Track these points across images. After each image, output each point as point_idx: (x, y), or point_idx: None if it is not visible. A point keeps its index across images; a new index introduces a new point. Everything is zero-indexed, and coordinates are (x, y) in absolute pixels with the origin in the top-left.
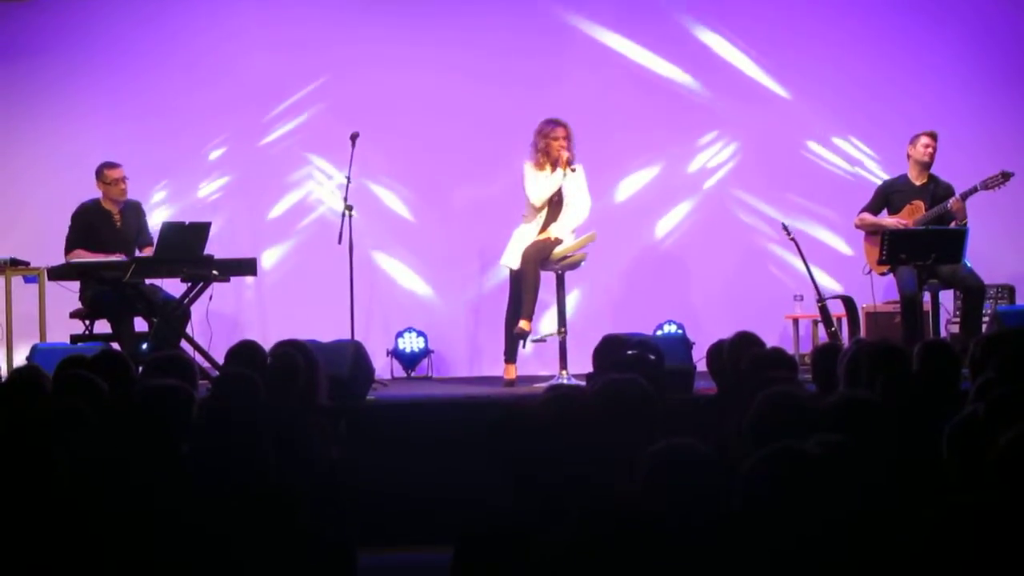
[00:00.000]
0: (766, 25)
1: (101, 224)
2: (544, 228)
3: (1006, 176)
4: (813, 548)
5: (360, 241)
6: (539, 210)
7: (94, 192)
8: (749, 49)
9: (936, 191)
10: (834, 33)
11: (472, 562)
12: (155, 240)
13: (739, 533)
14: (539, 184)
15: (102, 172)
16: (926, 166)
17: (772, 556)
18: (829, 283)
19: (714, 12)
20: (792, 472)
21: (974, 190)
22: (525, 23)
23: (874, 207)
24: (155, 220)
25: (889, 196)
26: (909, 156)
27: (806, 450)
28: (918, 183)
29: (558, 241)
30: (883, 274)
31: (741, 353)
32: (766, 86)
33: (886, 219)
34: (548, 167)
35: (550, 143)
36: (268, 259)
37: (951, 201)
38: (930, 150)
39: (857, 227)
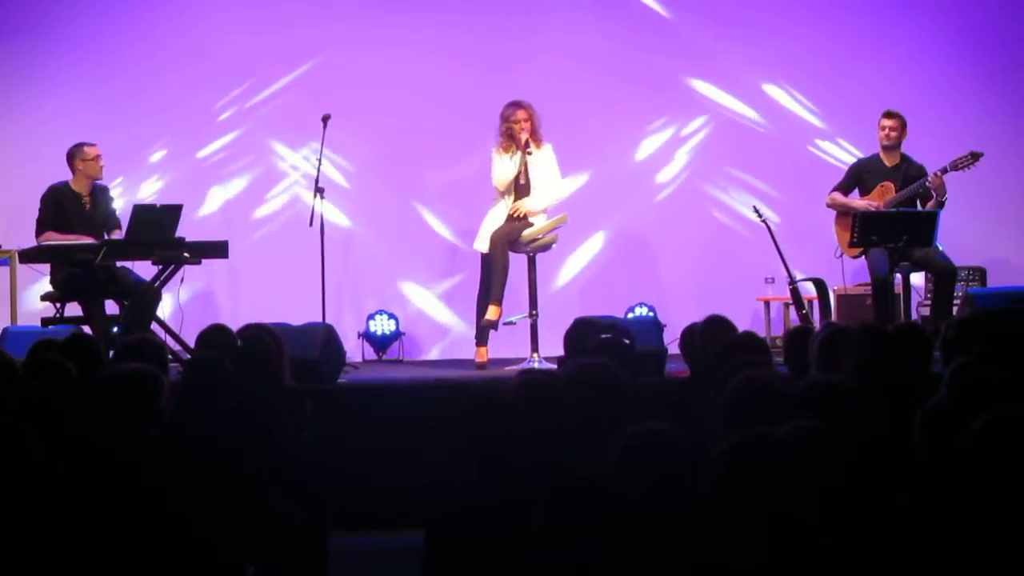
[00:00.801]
0: (739, 7)
1: (71, 206)
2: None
3: (975, 156)
4: (785, 534)
5: (331, 224)
6: (504, 193)
7: (65, 175)
8: (720, 29)
9: (908, 171)
10: (808, 15)
11: (444, 548)
12: (124, 223)
13: (711, 519)
14: (501, 167)
15: (80, 150)
16: (892, 148)
17: (744, 542)
18: (800, 265)
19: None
20: (762, 459)
21: (944, 171)
22: (497, 4)
23: (845, 187)
24: (121, 204)
25: (861, 176)
26: (878, 137)
27: (776, 437)
28: (889, 164)
29: (527, 224)
30: (855, 257)
31: (713, 337)
32: (736, 68)
33: (856, 201)
34: (513, 150)
35: (511, 126)
36: (240, 242)
37: (929, 177)
38: (886, 132)
39: (828, 206)
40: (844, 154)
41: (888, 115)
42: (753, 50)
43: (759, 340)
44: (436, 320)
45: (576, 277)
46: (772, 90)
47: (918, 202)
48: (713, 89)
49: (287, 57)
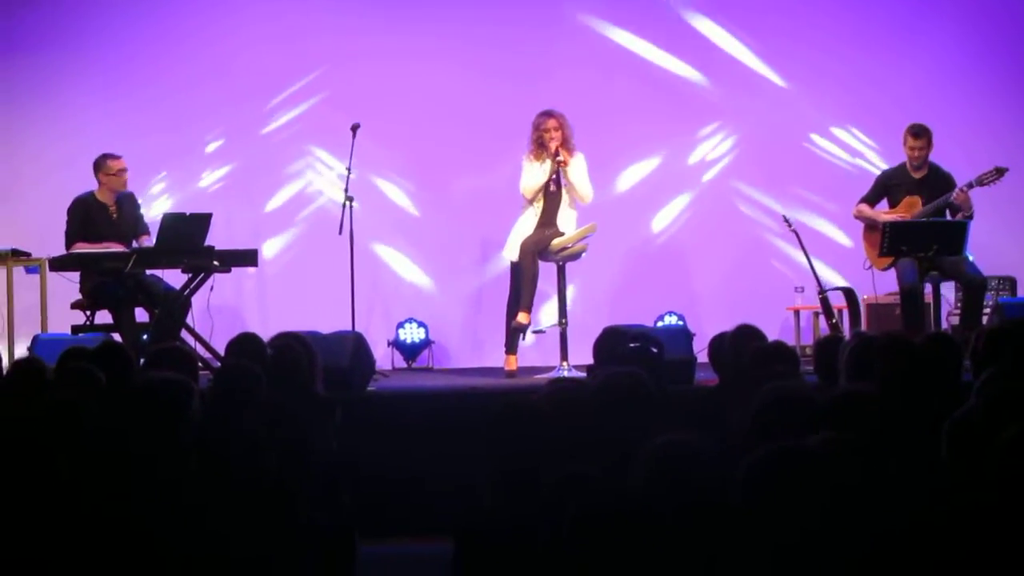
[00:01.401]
0: (765, 15)
1: (98, 216)
2: (542, 219)
3: (1000, 172)
4: (814, 546)
5: (361, 232)
6: (532, 201)
7: (93, 183)
8: (749, 39)
9: (936, 183)
10: (833, 23)
11: (472, 558)
12: (154, 230)
13: (739, 530)
14: (530, 175)
15: (104, 163)
16: (919, 166)
17: (773, 554)
18: (830, 275)
19: (714, 2)
20: (792, 470)
21: (969, 186)
22: (525, 14)
23: (872, 198)
24: (155, 212)
25: (888, 187)
26: (904, 151)
27: (806, 448)
28: (916, 176)
29: (557, 232)
30: (883, 269)
31: (742, 346)
32: (765, 76)
33: (883, 215)
34: (543, 158)
35: (541, 134)
36: (269, 250)
37: (955, 193)
38: (916, 152)
39: (855, 217)
40: (878, 157)
41: (915, 135)
42: (782, 61)
43: (789, 349)
44: (466, 328)
45: (606, 286)
46: (802, 98)
47: (947, 212)
48: (744, 99)
49: (315, 65)
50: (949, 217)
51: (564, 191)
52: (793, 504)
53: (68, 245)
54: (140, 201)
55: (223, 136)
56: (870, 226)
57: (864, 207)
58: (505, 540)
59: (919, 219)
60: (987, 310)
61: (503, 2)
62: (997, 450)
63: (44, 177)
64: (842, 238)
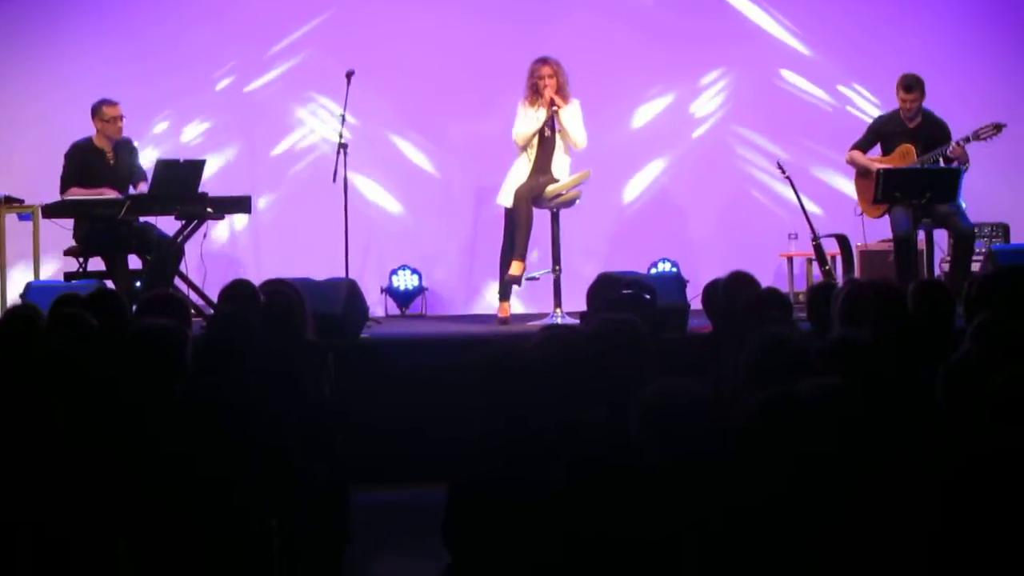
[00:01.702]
0: None
1: (95, 162)
2: (536, 165)
3: (998, 128)
4: (808, 492)
5: (355, 179)
6: (525, 147)
7: (88, 129)
8: None
9: (931, 131)
10: None
11: (466, 504)
12: (148, 176)
13: (734, 475)
14: (522, 122)
15: (100, 109)
16: (913, 116)
17: (768, 498)
18: (823, 221)
19: None
20: (786, 415)
21: (965, 140)
22: None
23: (865, 144)
24: (150, 158)
25: (881, 134)
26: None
27: (800, 393)
28: (911, 125)
29: (551, 179)
30: (875, 217)
31: (736, 292)
32: (762, 25)
33: (876, 162)
34: (538, 104)
35: (536, 81)
36: (263, 198)
37: (951, 147)
38: (907, 104)
39: (848, 163)
40: (870, 107)
41: (906, 88)
42: (781, 7)
43: (782, 296)
44: (459, 275)
45: (600, 233)
46: (797, 46)
47: (940, 161)
48: (738, 47)
49: (310, 13)
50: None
51: (558, 137)
52: (788, 449)
53: (63, 190)
54: (137, 145)
55: (218, 83)
56: (862, 173)
57: (856, 153)
58: (499, 487)
59: (914, 167)
60: (980, 257)
61: None
62: (991, 393)
63: (37, 124)
64: (837, 184)
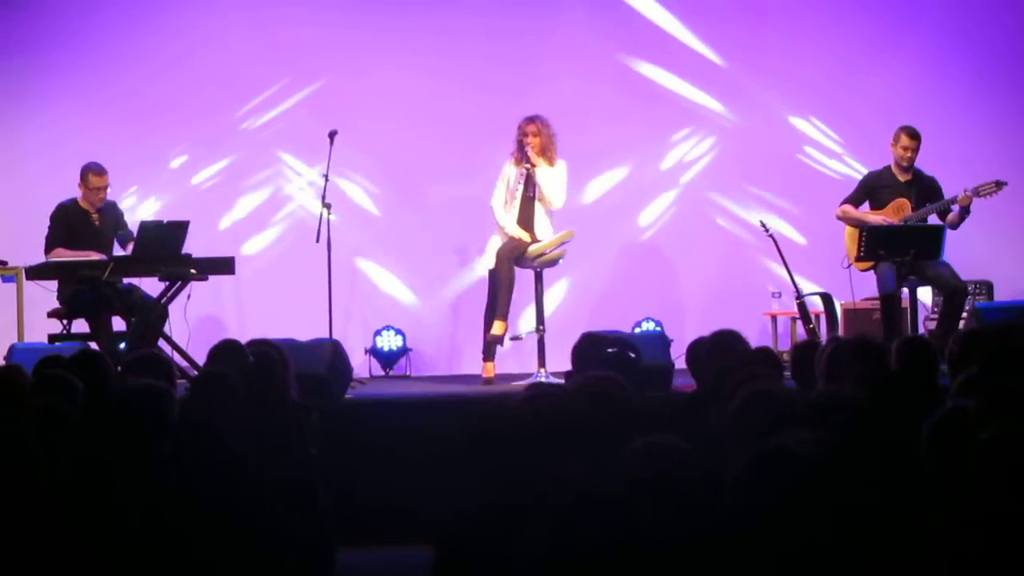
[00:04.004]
0: (742, 21)
1: (80, 223)
2: (519, 225)
3: (999, 185)
4: (810, 548)
5: (338, 240)
6: (509, 206)
7: (71, 191)
8: (725, 46)
9: (922, 186)
10: (812, 29)
11: (452, 566)
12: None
13: (731, 536)
14: (497, 196)
15: (86, 176)
16: (907, 168)
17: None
18: (807, 280)
19: (689, 8)
20: (785, 472)
21: (967, 196)
22: (504, 23)
23: (856, 199)
24: (130, 218)
25: (873, 190)
26: (892, 151)
27: (794, 449)
28: (903, 179)
29: (534, 239)
30: (864, 270)
31: (724, 351)
32: (742, 83)
33: (871, 215)
34: (522, 163)
35: (520, 138)
36: (246, 258)
37: (960, 195)
38: (908, 154)
39: (839, 218)
40: (849, 170)
41: (910, 136)
42: (761, 66)
43: (773, 355)
44: (443, 336)
45: (583, 292)
46: (779, 104)
47: (935, 215)
48: (721, 104)
49: (295, 75)
50: (937, 220)
51: (539, 197)
52: (786, 505)
53: (48, 250)
54: (122, 207)
55: (200, 143)
56: (855, 226)
57: (849, 207)
58: (485, 547)
59: (910, 222)
60: (964, 313)
61: (481, 10)
62: (977, 451)
63: (20, 186)
64: (820, 243)
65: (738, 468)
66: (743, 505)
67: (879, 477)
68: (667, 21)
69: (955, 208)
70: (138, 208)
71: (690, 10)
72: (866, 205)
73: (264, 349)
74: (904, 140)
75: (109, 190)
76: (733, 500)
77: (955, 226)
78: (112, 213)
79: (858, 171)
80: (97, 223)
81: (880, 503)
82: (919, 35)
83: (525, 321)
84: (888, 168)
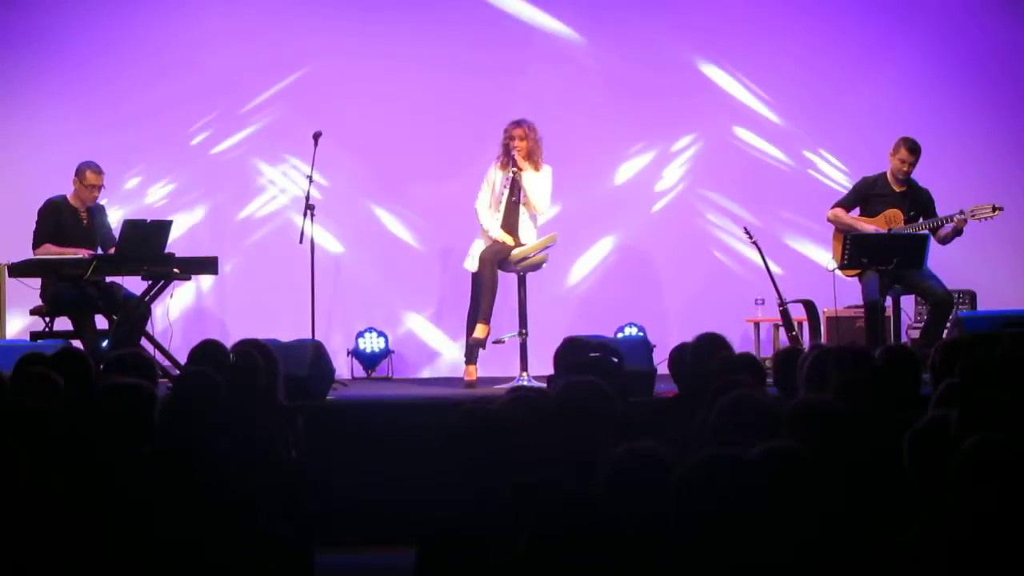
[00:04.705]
0: (734, 30)
1: (69, 220)
2: (503, 228)
3: (995, 209)
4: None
5: (321, 240)
6: (493, 209)
7: (56, 187)
8: (713, 52)
9: (916, 199)
10: (801, 35)
11: (434, 567)
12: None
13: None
14: (481, 200)
15: (83, 172)
16: (902, 180)
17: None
18: (790, 287)
19: (678, 14)
20: (726, 479)
21: (970, 214)
22: (488, 23)
23: (849, 203)
24: (115, 216)
25: (867, 196)
26: (890, 161)
27: (742, 456)
28: (897, 189)
29: (517, 243)
30: (850, 276)
31: (707, 354)
32: (729, 90)
33: (862, 223)
34: (508, 167)
35: (507, 142)
36: (229, 258)
37: (956, 217)
38: (906, 167)
39: (830, 221)
40: (837, 173)
41: (910, 149)
42: (750, 74)
43: (755, 361)
44: (425, 338)
45: (566, 297)
46: (764, 112)
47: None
48: (705, 110)
49: (277, 72)
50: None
51: (523, 201)
52: (727, 511)
53: (36, 245)
54: (105, 203)
55: (185, 143)
56: (843, 231)
57: (841, 211)
58: (466, 549)
59: (881, 232)
60: (947, 323)
61: (470, 11)
62: (958, 460)
63: (3, 181)
64: (804, 250)
65: (682, 473)
66: (684, 509)
67: (855, 486)
68: (656, 27)
69: (948, 226)
70: (126, 205)
71: (677, 16)
72: (857, 211)
73: (247, 349)
74: (903, 153)
75: (100, 192)
76: (674, 503)
77: (945, 242)
78: (100, 212)
79: (837, 182)
80: (86, 221)
81: (848, 514)
82: (917, 46)
83: (508, 325)
84: (883, 176)
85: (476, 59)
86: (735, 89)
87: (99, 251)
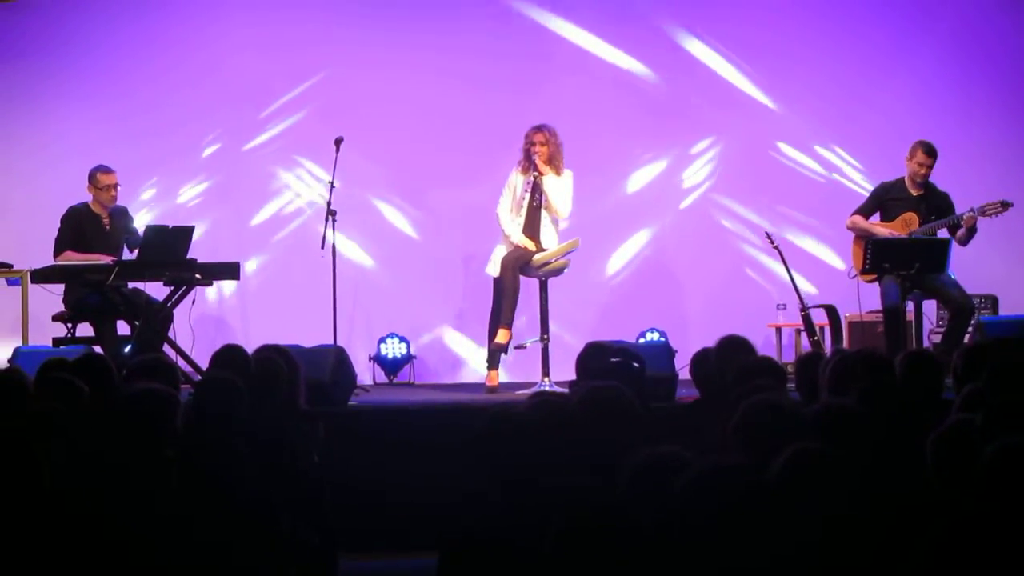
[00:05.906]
0: (750, 33)
1: (91, 227)
2: (524, 233)
3: (1005, 205)
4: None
5: (343, 246)
6: (515, 214)
7: (77, 193)
8: (733, 56)
9: (933, 202)
10: (819, 40)
11: (456, 570)
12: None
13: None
14: (503, 205)
15: (95, 176)
16: (920, 183)
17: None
18: (812, 292)
19: (698, 18)
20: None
21: (980, 211)
22: (509, 29)
23: (867, 209)
24: (138, 223)
25: (884, 201)
26: (907, 165)
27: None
28: (915, 193)
29: (539, 248)
30: (869, 281)
31: (731, 357)
32: (749, 94)
33: (879, 228)
34: (529, 171)
35: (527, 147)
36: (251, 264)
37: (966, 215)
38: (923, 170)
39: (849, 228)
40: (857, 174)
41: (927, 152)
42: (767, 79)
43: (777, 365)
44: (447, 344)
45: (588, 302)
46: (783, 116)
47: (945, 230)
48: (726, 117)
49: (299, 78)
50: (947, 234)
51: (544, 206)
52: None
53: (57, 252)
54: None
55: (207, 148)
56: (861, 237)
57: (859, 218)
58: (489, 553)
59: (916, 236)
60: (969, 328)
61: (490, 18)
62: (982, 464)
63: (25, 187)
64: (825, 255)
65: (681, 484)
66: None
67: (878, 489)
68: (677, 33)
69: (963, 228)
70: (149, 211)
71: (697, 21)
72: (877, 217)
73: (269, 355)
74: (920, 156)
75: (120, 189)
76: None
77: (963, 243)
78: (122, 216)
79: (860, 186)
80: (108, 226)
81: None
82: (934, 50)
83: (530, 330)
84: (901, 180)
85: (496, 68)
86: (755, 93)
87: (123, 255)
